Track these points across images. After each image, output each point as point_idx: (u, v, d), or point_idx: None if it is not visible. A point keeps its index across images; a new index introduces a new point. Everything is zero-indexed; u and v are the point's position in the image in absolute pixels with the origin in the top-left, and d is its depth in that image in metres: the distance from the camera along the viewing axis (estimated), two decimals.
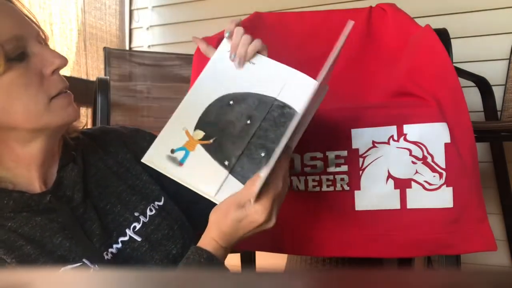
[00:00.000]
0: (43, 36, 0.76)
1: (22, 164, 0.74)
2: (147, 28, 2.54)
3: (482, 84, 1.67)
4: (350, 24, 0.76)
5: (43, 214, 0.73)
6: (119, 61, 2.17)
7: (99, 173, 0.82)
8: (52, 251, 0.70)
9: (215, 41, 1.22)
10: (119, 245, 0.77)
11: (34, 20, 0.76)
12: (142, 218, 0.80)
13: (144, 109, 2.16)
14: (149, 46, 2.52)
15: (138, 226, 0.79)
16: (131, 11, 2.59)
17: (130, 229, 0.79)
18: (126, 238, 0.78)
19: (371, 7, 1.38)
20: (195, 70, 1.23)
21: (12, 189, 0.73)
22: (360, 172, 1.05)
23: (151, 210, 0.82)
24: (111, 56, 2.15)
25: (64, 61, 0.73)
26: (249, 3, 2.13)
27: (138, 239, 0.78)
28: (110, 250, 0.76)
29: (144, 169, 0.86)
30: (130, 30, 2.59)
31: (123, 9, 2.57)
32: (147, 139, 0.90)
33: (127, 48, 2.57)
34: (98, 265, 0.72)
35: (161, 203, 0.84)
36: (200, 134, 0.79)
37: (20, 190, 0.74)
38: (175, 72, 2.23)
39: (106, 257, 0.74)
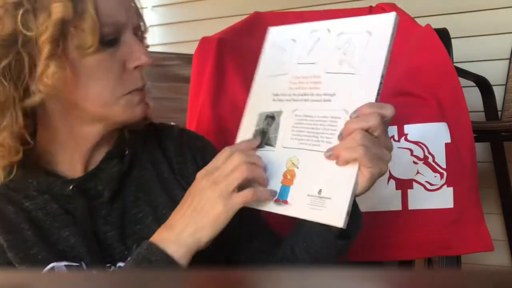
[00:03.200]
0: (143, 29, 0.76)
1: (72, 142, 0.74)
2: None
3: (483, 84, 1.67)
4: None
5: (63, 202, 0.72)
6: None
7: (145, 176, 0.78)
8: (55, 243, 0.69)
9: (215, 41, 1.22)
10: None
11: (139, 10, 0.75)
12: None
13: None
14: (149, 46, 2.52)
15: None
16: None
17: None
18: None
19: (371, 6, 1.38)
20: (195, 70, 1.23)
21: (45, 168, 0.73)
22: None
23: None
24: None
25: (150, 61, 0.72)
26: (249, 3, 2.13)
27: None
28: (119, 264, 0.70)
29: None
30: None
31: None
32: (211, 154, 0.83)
33: None
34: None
35: None
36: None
37: (54, 170, 0.73)
38: (175, 72, 2.23)
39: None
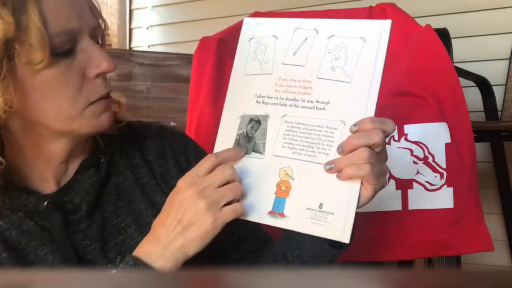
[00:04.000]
0: (103, 27, 0.70)
1: (41, 159, 0.70)
2: (147, 28, 2.53)
3: (483, 84, 1.67)
4: None
5: (38, 218, 0.68)
6: (119, 60, 2.17)
7: (125, 183, 0.74)
8: (32, 263, 0.66)
9: (215, 41, 1.22)
10: None
11: (98, 9, 0.70)
12: None
13: (144, 109, 2.16)
14: (149, 46, 2.52)
15: None
16: (130, 11, 2.58)
17: None
18: None
19: (371, 6, 1.38)
20: (195, 70, 1.23)
21: (18, 185, 0.69)
22: None
23: None
24: (111, 55, 2.15)
25: (111, 67, 0.66)
26: (249, 3, 2.13)
27: None
28: None
29: None
30: (130, 29, 2.59)
31: (124, 9, 2.57)
32: (195, 154, 0.80)
33: (127, 47, 2.57)
34: None
35: None
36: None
37: (28, 186, 0.70)
38: (175, 72, 2.23)
39: None
